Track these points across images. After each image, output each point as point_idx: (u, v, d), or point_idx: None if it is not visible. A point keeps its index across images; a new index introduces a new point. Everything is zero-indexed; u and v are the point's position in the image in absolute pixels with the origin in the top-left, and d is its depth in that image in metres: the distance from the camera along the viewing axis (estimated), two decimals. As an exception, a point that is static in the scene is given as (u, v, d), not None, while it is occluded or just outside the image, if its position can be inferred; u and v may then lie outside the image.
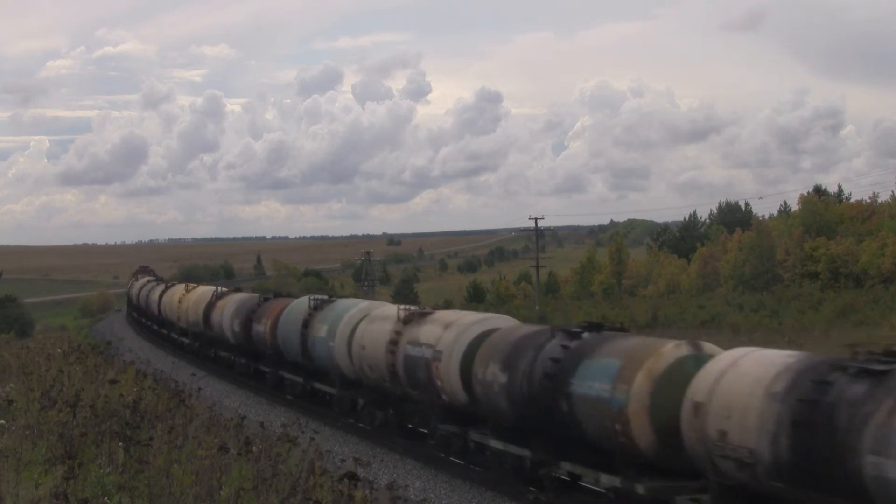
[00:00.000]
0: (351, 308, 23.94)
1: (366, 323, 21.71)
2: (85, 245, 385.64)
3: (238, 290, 39.76)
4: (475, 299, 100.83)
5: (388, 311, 21.66)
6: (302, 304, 26.86)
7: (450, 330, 18.40)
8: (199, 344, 39.20)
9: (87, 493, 8.41)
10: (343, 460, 15.63)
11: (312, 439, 12.46)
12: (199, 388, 21.09)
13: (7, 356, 23.39)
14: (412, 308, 20.78)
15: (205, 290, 40.22)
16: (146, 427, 11.79)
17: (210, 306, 36.03)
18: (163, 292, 48.97)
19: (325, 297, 26.70)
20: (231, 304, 33.62)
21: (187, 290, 42.60)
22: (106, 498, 8.55)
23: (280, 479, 9.85)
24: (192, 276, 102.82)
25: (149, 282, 62.82)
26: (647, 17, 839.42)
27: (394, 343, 19.83)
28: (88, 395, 13.83)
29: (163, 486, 8.93)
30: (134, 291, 68.57)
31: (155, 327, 52.61)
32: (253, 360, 31.77)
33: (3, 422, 11.58)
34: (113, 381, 15.04)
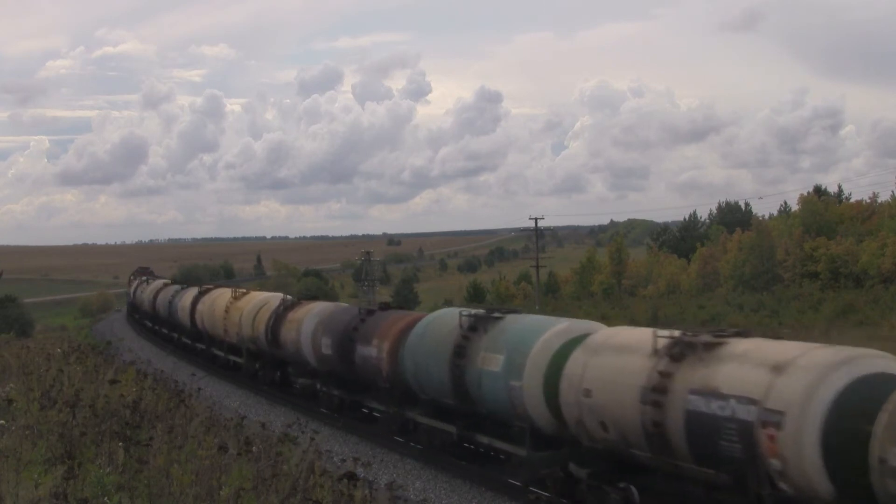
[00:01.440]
0: (541, 329, 15.99)
1: (586, 354, 14.39)
2: (85, 245, 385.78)
3: (315, 298, 31.50)
4: (475, 299, 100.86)
5: (625, 337, 14.28)
6: (447, 320, 18.81)
7: (789, 374, 10.99)
8: (259, 365, 31.01)
9: (86, 493, 8.40)
10: (343, 460, 15.65)
11: (312, 439, 12.46)
12: (199, 388, 21.12)
13: (7, 356, 23.39)
14: (679, 334, 13.18)
15: (265, 298, 31.94)
16: (146, 427, 11.79)
17: (278, 319, 28.21)
18: (197, 298, 39.35)
19: (486, 310, 18.38)
20: (312, 318, 25.86)
21: (236, 297, 34.18)
22: (106, 498, 8.55)
23: (280, 479, 9.85)
24: (192, 277, 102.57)
25: (166, 285, 52.41)
26: (647, 17, 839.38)
27: (660, 390, 12.54)
28: (88, 395, 13.83)
29: (163, 486, 8.93)
30: (145, 296, 57.16)
31: (186, 340, 41.78)
32: (353, 393, 23.95)
33: (3, 422, 11.57)
34: (113, 381, 15.03)
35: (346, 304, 28.91)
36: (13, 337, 62.48)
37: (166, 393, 17.47)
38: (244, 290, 35.77)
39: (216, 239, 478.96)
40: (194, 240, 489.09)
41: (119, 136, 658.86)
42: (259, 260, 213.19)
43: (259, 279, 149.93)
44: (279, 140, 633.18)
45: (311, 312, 26.33)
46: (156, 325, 52.00)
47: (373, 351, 21.24)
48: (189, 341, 40.97)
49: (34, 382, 15.77)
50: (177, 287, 47.36)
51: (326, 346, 24.04)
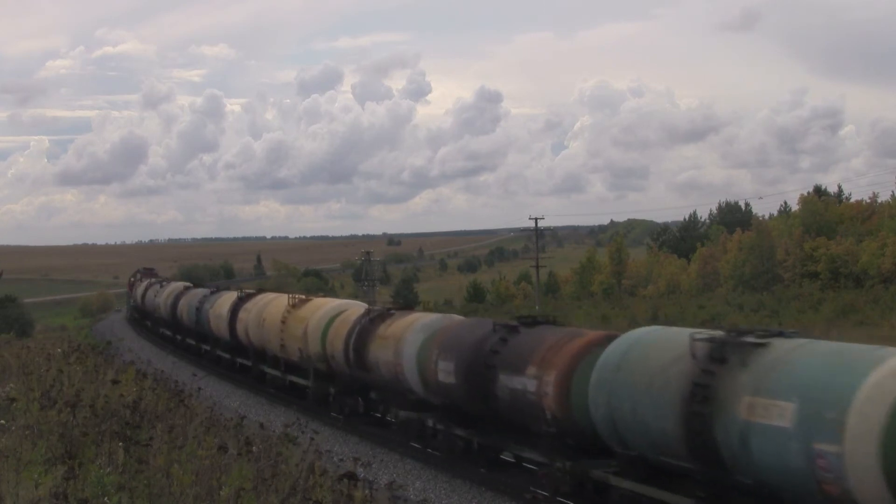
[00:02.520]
0: (864, 365, 10.19)
1: None
2: (85, 245, 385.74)
3: (408, 307, 24.61)
4: (475, 299, 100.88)
5: None
6: (664, 345, 13.24)
7: None
8: (335, 391, 24.91)
9: (87, 493, 8.40)
10: (343, 460, 15.65)
11: (312, 439, 12.46)
12: (199, 388, 21.12)
13: (7, 356, 23.39)
14: None
15: (338, 307, 25.81)
16: (146, 427, 11.79)
17: (365, 334, 22.02)
18: (238, 305, 32.87)
19: (732, 332, 12.41)
20: (416, 333, 19.82)
21: (295, 305, 27.95)
22: (106, 498, 8.55)
23: (280, 479, 9.85)
24: (192, 277, 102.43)
25: (188, 288, 45.52)
26: (647, 17, 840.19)
27: None
28: (88, 395, 13.83)
29: (163, 486, 8.93)
30: (161, 300, 49.35)
31: (223, 354, 35.68)
32: (488, 435, 17.86)
33: (3, 422, 11.57)
34: (113, 381, 15.04)
35: (462, 317, 21.49)
36: (13, 337, 62.47)
37: (166, 393, 17.47)
38: (303, 296, 29.21)
39: (216, 239, 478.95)
40: (194, 240, 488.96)
41: (119, 136, 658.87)
42: (259, 260, 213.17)
43: (259, 279, 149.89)
44: (279, 140, 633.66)
45: (415, 326, 20.10)
46: (177, 334, 44.51)
47: (528, 383, 15.39)
48: (227, 355, 34.76)
49: (34, 382, 15.78)
50: (204, 291, 40.61)
51: (446, 373, 17.94)
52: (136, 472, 9.09)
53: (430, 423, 19.45)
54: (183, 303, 42.20)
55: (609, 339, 14.44)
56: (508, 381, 15.87)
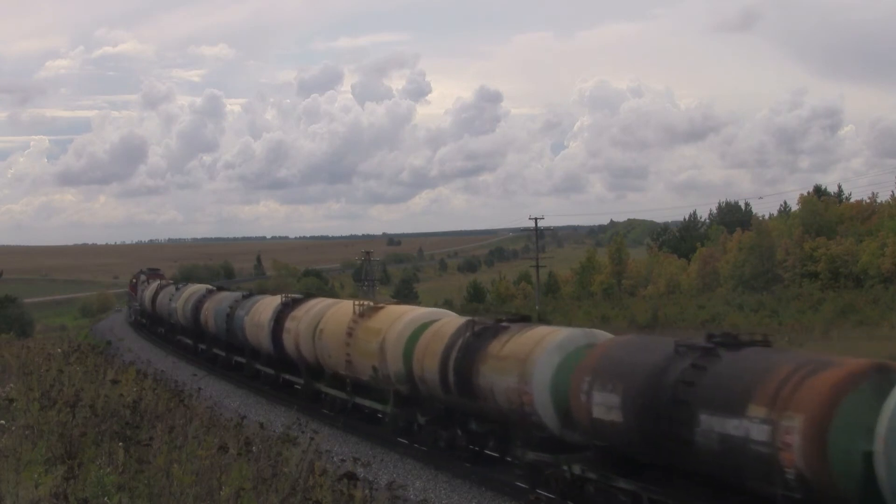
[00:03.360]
0: None
1: None
2: (84, 245, 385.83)
3: (525, 318, 19.61)
4: (475, 299, 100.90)
5: None
6: None
7: None
8: (426, 420, 20.54)
9: (87, 493, 8.40)
10: (343, 460, 15.65)
11: (312, 439, 12.45)
12: (199, 388, 21.13)
13: (7, 356, 23.37)
14: None
15: (424, 315, 21.55)
16: (146, 427, 11.79)
17: (472, 353, 17.91)
18: (283, 312, 28.45)
19: None
20: (550, 355, 16.06)
21: (365, 314, 23.12)
22: (106, 498, 8.55)
23: (280, 479, 9.85)
24: (192, 277, 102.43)
25: (211, 292, 40.38)
26: (647, 17, 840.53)
27: None
28: (88, 395, 13.83)
29: (163, 486, 8.93)
30: (178, 305, 43.75)
31: (264, 368, 31.17)
32: (680, 494, 13.10)
33: (3, 422, 11.57)
34: (113, 381, 15.04)
35: (607, 333, 16.91)
36: (13, 337, 62.41)
37: (166, 393, 17.48)
38: (372, 303, 24.53)
39: (216, 239, 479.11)
40: (194, 240, 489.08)
41: (118, 136, 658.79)
42: (259, 260, 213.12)
43: (259, 279, 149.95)
44: (279, 140, 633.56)
45: (548, 344, 16.12)
46: (200, 342, 39.92)
47: (754, 429, 11.33)
48: (269, 370, 30.33)
49: (34, 382, 15.77)
50: (234, 295, 35.98)
51: (606, 408, 13.80)
52: (137, 472, 9.08)
53: (578, 470, 14.85)
54: (208, 308, 37.25)
55: (880, 370, 10.78)
56: (717, 425, 11.85)
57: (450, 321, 20.05)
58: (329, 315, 25.19)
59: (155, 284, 57.10)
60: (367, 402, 23.24)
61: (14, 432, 11.13)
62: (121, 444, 10.11)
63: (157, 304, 51.52)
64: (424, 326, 20.45)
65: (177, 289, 47.97)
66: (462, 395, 18.17)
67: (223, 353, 36.12)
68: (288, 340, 27.49)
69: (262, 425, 14.05)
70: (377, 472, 16.94)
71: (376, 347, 21.39)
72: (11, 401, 13.13)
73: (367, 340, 21.95)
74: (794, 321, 54.35)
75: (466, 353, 17.92)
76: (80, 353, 24.34)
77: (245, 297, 34.19)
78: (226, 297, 36.64)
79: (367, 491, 9.56)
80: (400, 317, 21.60)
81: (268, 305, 30.21)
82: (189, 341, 42.32)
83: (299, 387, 27.69)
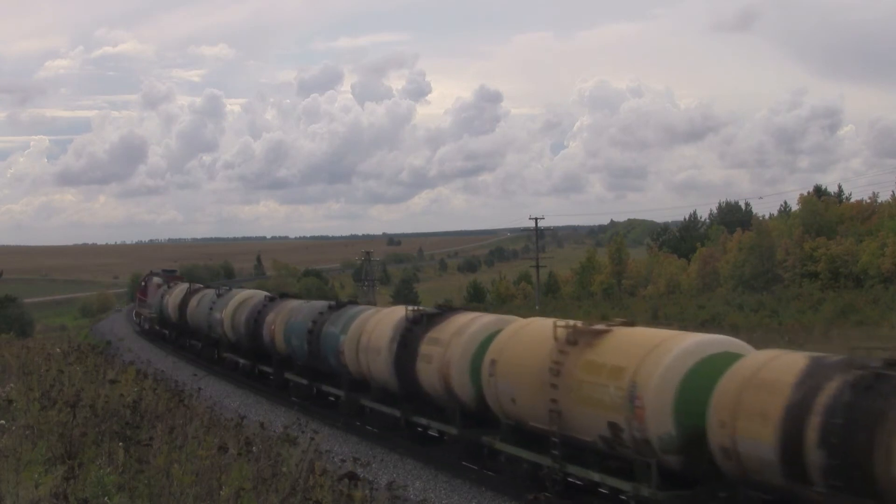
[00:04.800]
0: None
1: None
2: (84, 245, 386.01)
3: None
4: (475, 299, 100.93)
5: None
6: None
7: None
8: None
9: (87, 492, 8.40)
10: (343, 460, 15.64)
11: (312, 439, 12.45)
12: (199, 388, 21.12)
13: (7, 356, 23.38)
14: None
15: (700, 349, 13.38)
16: (146, 427, 11.79)
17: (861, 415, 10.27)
18: (412, 333, 19.99)
19: None
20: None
21: (575, 341, 14.97)
22: (106, 498, 8.56)
23: (280, 479, 9.85)
24: (193, 277, 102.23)
25: (272, 300, 31.81)
26: (647, 17, 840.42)
27: None
28: (88, 395, 13.83)
29: (163, 486, 8.93)
30: (225, 316, 34.39)
31: (372, 404, 22.57)
32: None
33: (3, 422, 11.57)
34: (113, 381, 15.04)
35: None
36: (13, 337, 62.43)
37: (166, 393, 17.47)
38: (587, 324, 15.45)
39: (216, 239, 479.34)
40: (194, 240, 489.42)
41: (118, 136, 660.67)
42: (259, 260, 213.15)
43: (259, 279, 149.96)
44: (278, 140, 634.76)
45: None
46: (260, 363, 31.74)
47: None
48: (395, 412, 21.18)
49: (34, 382, 15.77)
50: (317, 306, 27.18)
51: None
52: (137, 472, 9.09)
53: None
54: (275, 321, 28.95)
55: None
56: None
57: (774, 359, 12.07)
58: (506, 339, 16.99)
59: (180, 289, 46.15)
60: (595, 477, 14.86)
61: (14, 432, 11.13)
62: (121, 444, 10.11)
63: (188, 313, 40.98)
64: (716, 363, 12.86)
65: (219, 295, 37.16)
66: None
67: (304, 381, 27.03)
68: (428, 373, 18.89)
69: (262, 425, 14.05)
70: (377, 472, 16.94)
71: (618, 396, 13.54)
72: (11, 401, 13.13)
73: (596, 383, 14.11)
74: (794, 321, 54.29)
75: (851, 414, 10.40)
76: (79, 353, 24.34)
77: (334, 309, 25.57)
78: (300, 308, 28.06)
79: (367, 491, 9.56)
80: (657, 347, 13.62)
81: (383, 322, 21.56)
82: (243, 361, 33.17)
83: (440, 434, 20.08)
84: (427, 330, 19.51)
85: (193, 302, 40.84)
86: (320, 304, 27.54)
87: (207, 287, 44.65)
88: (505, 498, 16.41)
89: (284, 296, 32.83)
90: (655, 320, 58.57)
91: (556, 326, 15.51)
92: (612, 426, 13.71)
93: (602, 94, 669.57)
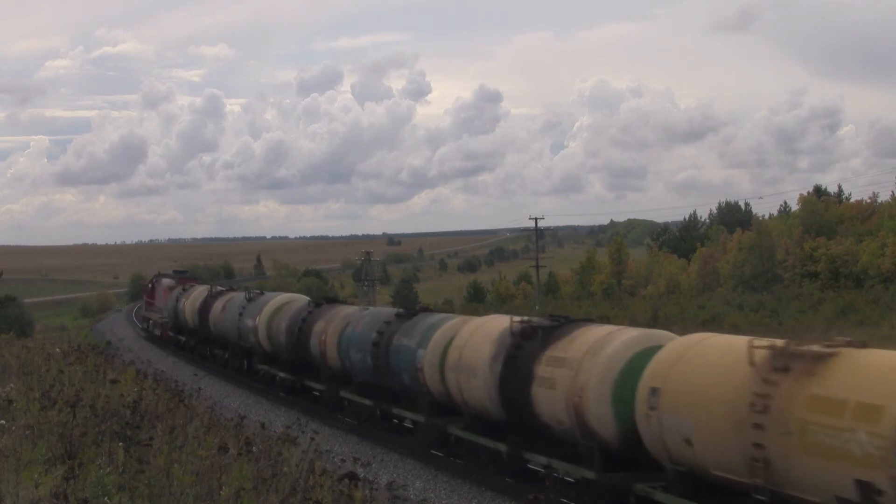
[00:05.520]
0: None
1: None
2: (84, 245, 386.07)
3: None
4: (475, 299, 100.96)
5: None
6: None
7: None
8: None
9: (87, 493, 8.40)
10: (343, 460, 15.65)
11: (312, 439, 12.45)
12: (200, 388, 21.12)
13: (7, 356, 23.38)
14: None
15: None
16: (146, 427, 11.78)
17: None
18: (524, 351, 16.14)
19: None
20: None
21: (785, 366, 11.09)
22: (106, 498, 8.55)
23: (280, 479, 9.85)
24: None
25: (318, 306, 27.59)
26: (647, 17, 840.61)
27: None
28: (88, 395, 13.82)
29: (163, 486, 8.93)
30: (256, 323, 30.69)
31: (459, 433, 18.83)
32: None
33: (3, 422, 11.57)
34: (113, 381, 15.03)
35: None
36: (13, 337, 62.47)
37: (166, 393, 17.46)
38: (802, 345, 11.49)
39: (215, 239, 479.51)
40: (194, 240, 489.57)
41: (118, 136, 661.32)
42: (259, 260, 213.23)
43: (259, 279, 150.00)
44: (278, 140, 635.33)
45: None
46: (306, 378, 27.56)
47: None
48: (490, 443, 17.51)
49: (34, 382, 15.76)
50: (381, 314, 23.41)
51: None
52: (137, 473, 9.08)
53: None
54: (325, 331, 25.12)
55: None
56: None
57: None
58: (672, 362, 12.89)
59: (199, 292, 41.71)
60: None
61: (14, 432, 11.13)
62: (121, 444, 10.10)
63: (210, 319, 37.04)
64: None
65: (249, 299, 33.13)
66: None
67: (367, 402, 23.09)
68: (549, 401, 15.23)
69: (262, 425, 14.05)
70: (377, 472, 16.94)
71: (874, 445, 9.85)
72: (11, 401, 13.12)
73: (833, 427, 10.37)
74: (794, 321, 54.33)
75: None
76: (79, 353, 24.33)
77: (404, 317, 21.81)
78: (359, 316, 24.19)
79: (367, 491, 9.56)
80: None
81: (477, 336, 17.86)
82: (283, 374, 29.09)
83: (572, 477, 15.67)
84: (544, 347, 15.63)
85: (217, 306, 36.46)
86: (384, 312, 23.69)
87: (231, 290, 40.20)
88: (505, 498, 16.41)
89: (331, 301, 28.95)
90: (655, 321, 58.61)
91: (752, 347, 11.76)
92: (863, 486, 10.05)
93: (602, 94, 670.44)
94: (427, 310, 23.09)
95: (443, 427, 19.30)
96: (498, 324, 17.68)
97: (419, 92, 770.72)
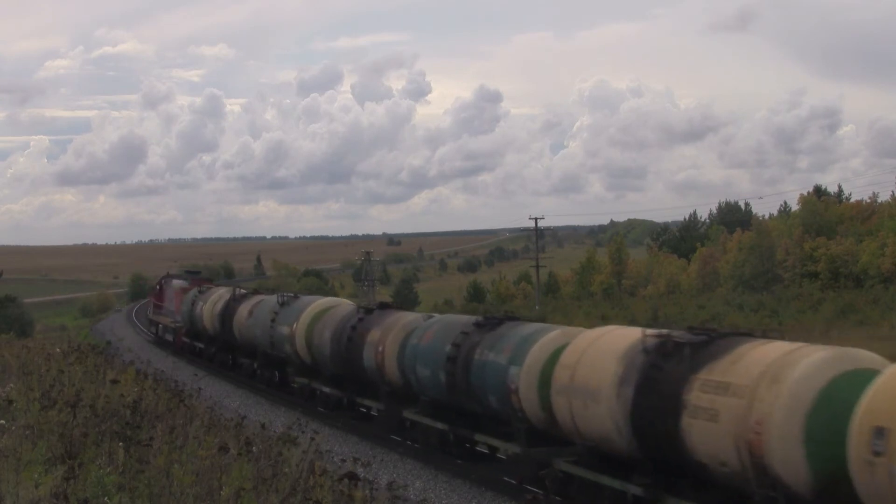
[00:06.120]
0: None
1: None
2: (84, 245, 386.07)
3: None
4: (475, 299, 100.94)
5: None
6: None
7: None
8: None
9: (87, 493, 8.40)
10: (343, 460, 15.64)
11: (312, 439, 12.45)
12: (200, 388, 21.12)
13: (7, 356, 23.37)
14: None
15: None
16: (146, 427, 11.78)
17: None
18: (685, 369, 12.59)
19: None
20: None
21: None
22: (106, 498, 8.55)
23: (280, 479, 9.85)
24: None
25: (381, 306, 24.85)
26: (647, 17, 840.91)
27: None
28: (89, 395, 13.82)
29: (163, 486, 8.93)
30: (293, 331, 27.09)
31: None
32: None
33: (3, 422, 11.56)
34: (113, 381, 15.03)
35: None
36: (13, 337, 62.43)
37: (166, 393, 17.46)
38: None
39: (216, 239, 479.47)
40: (194, 240, 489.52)
41: (118, 136, 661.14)
42: (259, 260, 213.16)
43: (259, 279, 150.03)
44: (278, 140, 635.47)
45: None
46: (352, 393, 24.31)
47: None
48: (642, 492, 13.49)
49: (34, 382, 15.76)
50: (460, 322, 19.82)
51: None
52: (137, 473, 9.08)
53: None
54: (382, 343, 21.55)
55: None
56: None
57: None
58: (892, 393, 9.99)
59: (218, 294, 37.82)
60: None
61: (14, 432, 11.12)
62: (121, 444, 10.10)
63: (235, 325, 33.28)
64: None
65: (282, 303, 29.22)
66: None
67: (440, 426, 19.57)
68: (707, 436, 12.07)
69: (263, 426, 14.05)
70: (377, 472, 16.94)
71: None
72: (11, 401, 13.12)
73: None
74: (794, 321, 54.30)
75: None
76: (79, 353, 24.33)
77: (486, 327, 18.31)
78: (427, 325, 20.56)
79: (367, 491, 9.55)
80: None
81: (595, 351, 14.75)
82: (328, 390, 25.50)
83: None
84: (695, 368, 12.50)
85: (243, 311, 32.70)
86: (458, 321, 20.09)
87: (256, 292, 36.43)
88: (505, 498, 16.41)
89: (385, 306, 24.94)
90: (655, 321, 58.61)
91: None
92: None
93: (602, 94, 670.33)
94: (513, 318, 18.94)
95: (546, 460, 16.03)
96: (621, 338, 14.55)
97: (419, 92, 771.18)
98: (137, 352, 36.92)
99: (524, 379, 15.99)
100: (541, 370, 15.70)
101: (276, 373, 30.36)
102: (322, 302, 27.78)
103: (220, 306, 35.84)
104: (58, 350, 25.68)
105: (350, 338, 23.14)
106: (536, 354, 15.97)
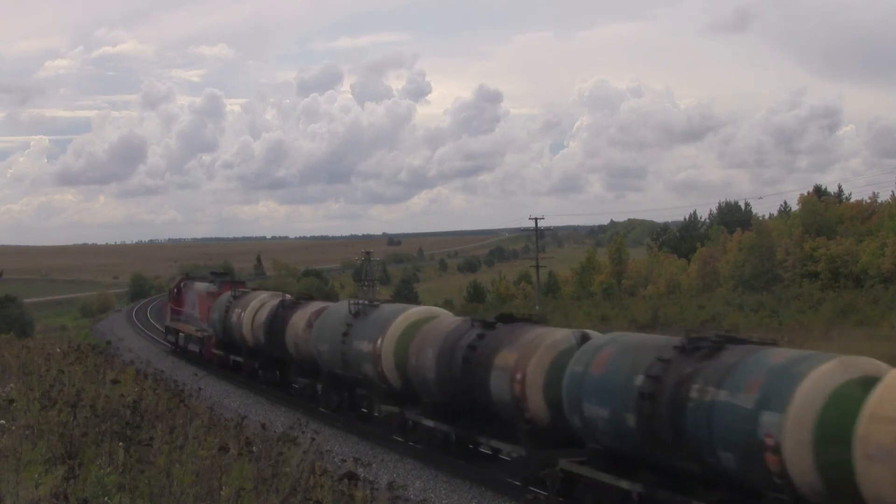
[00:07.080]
0: None
1: None
2: (84, 245, 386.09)
3: None
4: (475, 299, 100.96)
5: None
6: None
7: None
8: None
9: (87, 492, 8.40)
10: (343, 460, 15.64)
11: (313, 440, 12.44)
12: (200, 388, 21.11)
13: (7, 356, 23.36)
14: None
15: None
16: (146, 427, 11.78)
17: None
18: None
19: None
20: None
21: None
22: (106, 498, 8.55)
23: (280, 479, 9.84)
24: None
25: (501, 319, 18.48)
26: (647, 17, 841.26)
27: None
28: (89, 395, 13.82)
29: (163, 486, 8.93)
30: (386, 348, 21.10)
31: None
32: None
33: (3, 422, 11.56)
34: (113, 381, 15.03)
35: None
36: (13, 337, 62.39)
37: (166, 393, 17.46)
38: None
39: (216, 239, 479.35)
40: (194, 240, 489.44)
41: (118, 136, 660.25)
42: (259, 260, 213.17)
43: (259, 279, 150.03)
44: (278, 140, 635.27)
45: None
46: (472, 432, 18.69)
47: None
48: None
49: (34, 382, 15.76)
50: (654, 343, 14.29)
51: None
52: (137, 473, 9.08)
53: None
54: (523, 370, 16.23)
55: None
56: None
57: None
58: None
59: (259, 300, 32.13)
60: None
61: (14, 432, 11.12)
62: (121, 444, 10.11)
63: (290, 339, 27.69)
64: None
65: (356, 313, 23.65)
66: None
67: (632, 486, 13.76)
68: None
69: (263, 426, 14.04)
70: (377, 472, 16.94)
71: None
72: (11, 401, 13.12)
73: None
74: (794, 321, 54.27)
75: None
76: (79, 353, 24.33)
77: (692, 352, 12.99)
78: (588, 349, 15.15)
79: (367, 491, 9.55)
80: None
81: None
82: (433, 423, 19.95)
83: None
84: None
85: (298, 321, 27.31)
86: (646, 342, 14.71)
87: (311, 298, 31.35)
88: (505, 498, 16.40)
89: (508, 318, 18.66)
90: (655, 320, 58.60)
91: None
92: None
93: (602, 94, 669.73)
94: (738, 339, 13.29)
95: None
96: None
97: (419, 92, 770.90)
98: (137, 352, 36.89)
99: (791, 432, 10.86)
100: (816, 420, 10.78)
101: (348, 395, 24.71)
102: (414, 312, 22.23)
103: (264, 314, 30.36)
104: (58, 350, 25.68)
105: (467, 359, 17.90)
106: (807, 394, 10.90)
